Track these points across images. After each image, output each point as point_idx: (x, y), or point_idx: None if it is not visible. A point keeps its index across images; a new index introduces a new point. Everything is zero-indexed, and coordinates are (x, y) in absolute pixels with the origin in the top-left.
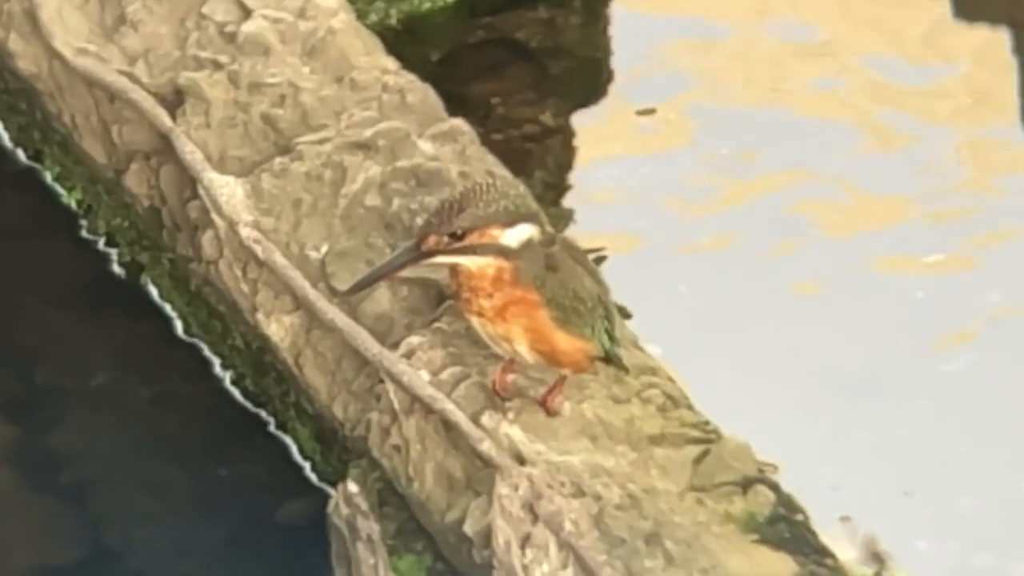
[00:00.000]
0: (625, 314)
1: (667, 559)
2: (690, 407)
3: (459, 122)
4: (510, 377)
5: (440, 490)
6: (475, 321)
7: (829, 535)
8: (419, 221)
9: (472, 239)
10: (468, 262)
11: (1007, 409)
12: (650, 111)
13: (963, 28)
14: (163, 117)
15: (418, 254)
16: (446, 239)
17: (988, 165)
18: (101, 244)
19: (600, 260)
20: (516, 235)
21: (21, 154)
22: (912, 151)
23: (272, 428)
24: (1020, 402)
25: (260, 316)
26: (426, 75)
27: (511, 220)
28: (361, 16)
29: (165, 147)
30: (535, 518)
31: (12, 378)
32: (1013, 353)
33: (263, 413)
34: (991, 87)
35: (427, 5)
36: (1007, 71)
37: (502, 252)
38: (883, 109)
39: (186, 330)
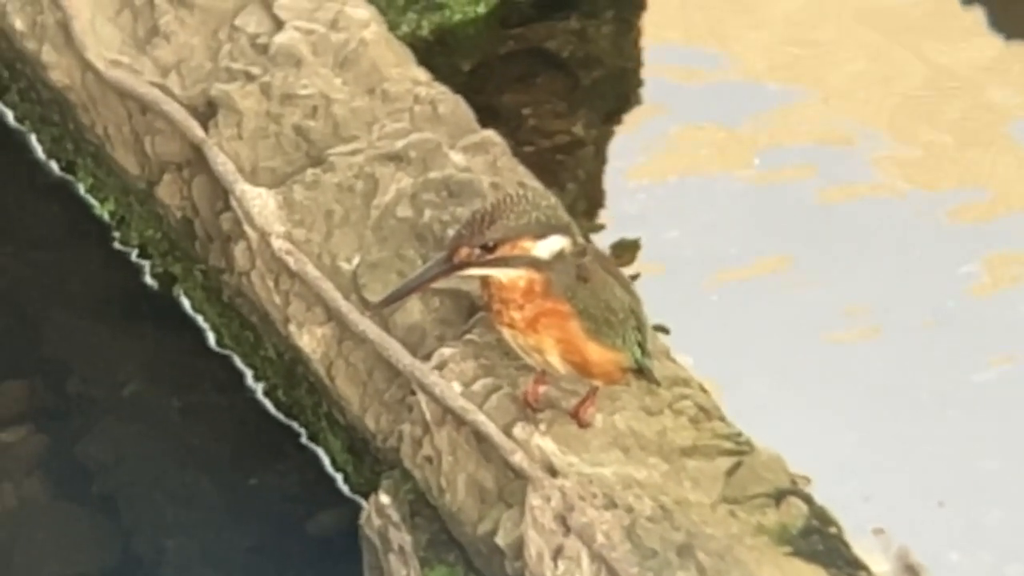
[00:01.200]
0: (657, 324)
1: (699, 571)
2: (722, 419)
3: (490, 133)
4: (542, 389)
5: (472, 501)
6: (506, 333)
7: (862, 547)
8: (450, 232)
9: (504, 251)
10: (499, 274)
11: None
12: (681, 121)
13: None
14: (195, 128)
15: (449, 266)
16: (478, 251)
17: (1020, 174)
18: (134, 255)
19: (631, 271)
20: (548, 246)
21: (54, 166)
22: (948, 163)
23: (304, 439)
24: None
25: (292, 327)
26: (457, 86)
27: (542, 232)
28: (392, 27)
29: (197, 158)
30: (567, 530)
31: (44, 388)
32: None
33: (295, 424)
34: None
35: (458, 16)
36: None
37: (533, 264)
38: (917, 124)
39: (218, 341)
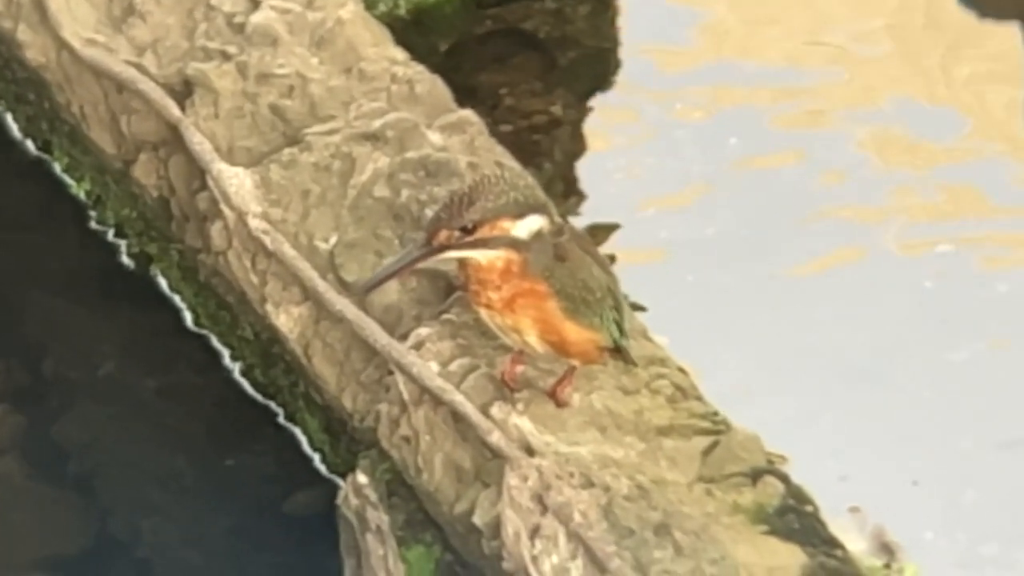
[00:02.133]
0: (633, 305)
1: (676, 550)
2: (699, 398)
3: (468, 113)
4: (519, 368)
5: (449, 481)
6: (483, 313)
7: (838, 526)
8: (428, 212)
9: (483, 232)
10: (479, 255)
11: (1014, 399)
12: (658, 101)
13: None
14: (172, 108)
15: (429, 250)
16: (457, 233)
17: (999, 153)
18: (110, 235)
19: (608, 251)
20: (526, 226)
21: (30, 145)
22: (922, 140)
23: (281, 419)
24: None
25: (269, 307)
26: (434, 66)
27: (521, 211)
28: (369, 7)
29: (174, 138)
30: (544, 509)
31: (20, 368)
32: (1020, 343)
33: (272, 404)
34: (1003, 77)
35: None
36: (1018, 64)
37: (513, 244)
38: (891, 98)
39: (195, 321)
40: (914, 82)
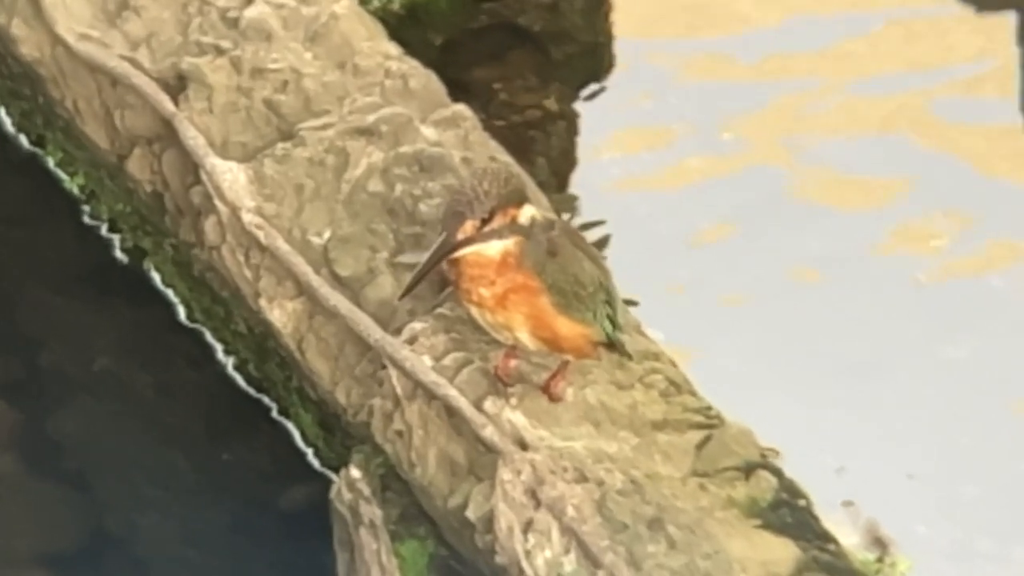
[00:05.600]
0: (627, 300)
1: (669, 544)
2: (693, 392)
3: (462, 108)
4: (513, 363)
5: (443, 475)
6: (474, 311)
7: (832, 520)
8: (422, 207)
9: (498, 221)
10: (494, 245)
11: (1009, 394)
12: (652, 96)
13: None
14: (166, 102)
15: (455, 244)
16: (479, 223)
17: (992, 149)
18: (104, 230)
19: (602, 245)
20: (526, 214)
21: (24, 140)
22: (914, 134)
23: (275, 414)
24: (1022, 387)
25: (263, 302)
26: (428, 60)
27: (522, 199)
28: (364, 2)
29: (168, 132)
30: (537, 503)
31: (15, 363)
32: (1015, 339)
33: (266, 399)
34: (996, 71)
35: None
36: (1013, 56)
37: (521, 232)
38: (882, 92)
39: (189, 316)
40: (910, 75)
